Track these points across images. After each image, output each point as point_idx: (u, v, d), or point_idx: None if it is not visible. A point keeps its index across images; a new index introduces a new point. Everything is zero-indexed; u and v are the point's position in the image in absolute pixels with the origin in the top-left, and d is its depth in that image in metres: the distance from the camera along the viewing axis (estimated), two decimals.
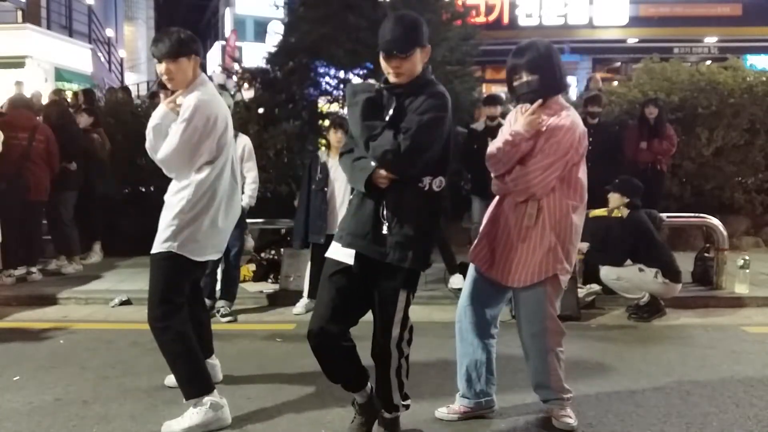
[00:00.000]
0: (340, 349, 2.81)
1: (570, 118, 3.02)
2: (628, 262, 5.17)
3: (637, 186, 5.24)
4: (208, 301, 5.27)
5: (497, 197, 3.20)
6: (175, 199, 3.11)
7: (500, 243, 3.11)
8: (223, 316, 5.16)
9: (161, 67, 3.10)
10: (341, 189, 5.26)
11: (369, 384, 2.95)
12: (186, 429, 3.04)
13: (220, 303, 5.25)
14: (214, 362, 3.64)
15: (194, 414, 3.06)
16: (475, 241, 3.24)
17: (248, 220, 6.23)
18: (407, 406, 2.97)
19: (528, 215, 3.02)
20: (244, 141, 5.27)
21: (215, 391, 3.16)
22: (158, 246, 3.10)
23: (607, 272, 5.24)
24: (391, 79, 2.71)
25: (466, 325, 3.21)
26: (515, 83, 3.07)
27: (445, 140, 2.73)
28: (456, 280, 5.81)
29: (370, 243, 2.69)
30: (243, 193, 5.05)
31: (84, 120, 7.19)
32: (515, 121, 3.11)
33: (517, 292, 3.13)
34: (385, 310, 2.79)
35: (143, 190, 7.85)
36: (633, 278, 5.10)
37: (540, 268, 3.02)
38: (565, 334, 3.16)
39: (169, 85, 3.19)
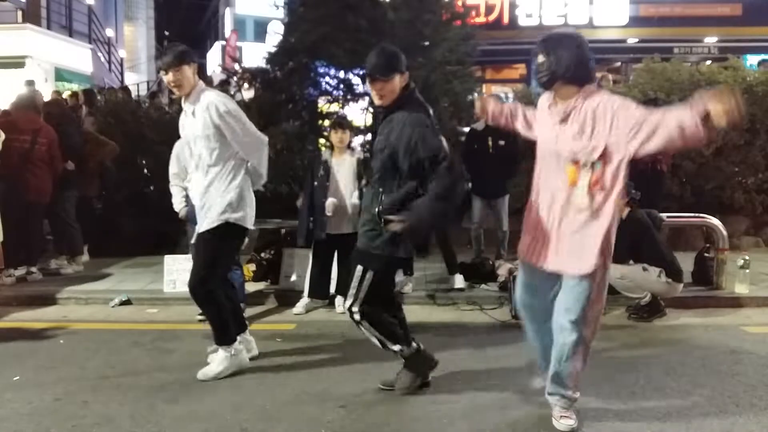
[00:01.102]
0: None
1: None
2: (631, 261, 5.17)
3: (625, 186, 5.19)
4: None
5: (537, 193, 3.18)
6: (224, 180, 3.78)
7: (549, 233, 3.11)
8: None
9: (169, 76, 3.70)
10: (343, 187, 5.27)
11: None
12: (219, 371, 3.83)
13: None
14: (249, 338, 4.17)
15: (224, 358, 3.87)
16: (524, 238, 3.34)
17: None
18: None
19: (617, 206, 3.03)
20: None
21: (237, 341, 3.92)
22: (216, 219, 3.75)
23: (611, 271, 5.22)
24: (376, 101, 3.37)
25: (531, 314, 3.33)
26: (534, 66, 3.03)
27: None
28: (458, 280, 5.82)
29: None
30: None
31: (88, 122, 7.20)
32: (545, 108, 3.12)
33: (566, 280, 3.07)
34: None
35: (145, 190, 7.84)
36: (636, 277, 5.10)
37: (593, 258, 2.96)
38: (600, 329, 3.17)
39: (176, 92, 3.83)
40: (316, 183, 5.33)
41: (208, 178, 3.81)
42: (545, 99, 3.16)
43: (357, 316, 3.44)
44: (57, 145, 6.47)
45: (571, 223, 3.01)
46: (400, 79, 3.33)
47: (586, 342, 3.11)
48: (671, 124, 2.69)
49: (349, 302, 3.44)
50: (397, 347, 3.48)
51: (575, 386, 3.14)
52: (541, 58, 2.98)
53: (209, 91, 3.82)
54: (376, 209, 3.29)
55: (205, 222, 3.82)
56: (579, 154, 2.92)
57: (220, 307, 3.86)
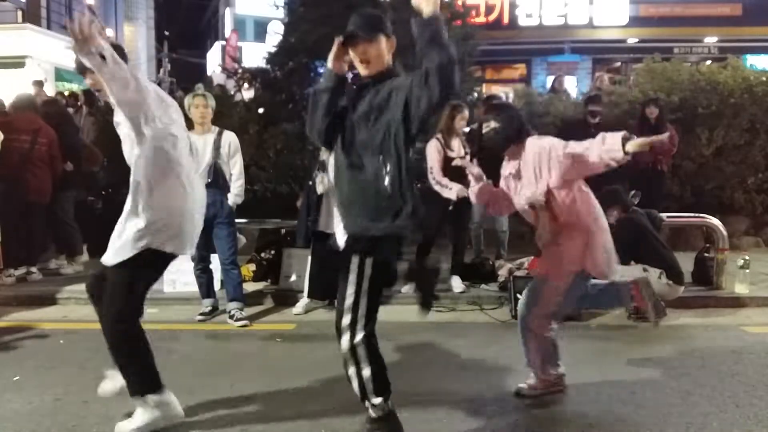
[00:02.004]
0: None
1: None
2: (633, 262, 5.17)
3: (612, 192, 5.14)
4: (208, 301, 5.30)
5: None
6: None
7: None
8: (237, 320, 5.06)
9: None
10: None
11: None
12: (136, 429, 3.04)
13: (232, 305, 5.17)
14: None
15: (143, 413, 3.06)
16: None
17: (247, 220, 6.26)
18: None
19: None
20: (230, 137, 5.23)
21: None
22: None
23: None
24: (361, 71, 2.77)
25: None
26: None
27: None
28: (455, 283, 5.80)
29: None
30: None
31: (89, 123, 7.20)
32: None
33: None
34: None
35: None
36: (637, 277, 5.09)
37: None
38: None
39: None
40: (310, 182, 5.33)
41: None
42: (504, 166, 3.50)
43: (359, 338, 2.68)
44: (57, 145, 6.47)
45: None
46: (387, 43, 2.81)
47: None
48: (593, 154, 3.11)
49: (347, 325, 2.69)
50: (378, 400, 2.78)
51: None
52: (492, 123, 3.39)
53: None
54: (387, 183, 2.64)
55: None
56: (533, 199, 3.29)
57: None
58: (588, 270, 3.35)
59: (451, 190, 5.38)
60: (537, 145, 3.29)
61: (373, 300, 2.71)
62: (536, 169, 3.25)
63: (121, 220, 3.07)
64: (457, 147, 5.67)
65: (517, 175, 3.36)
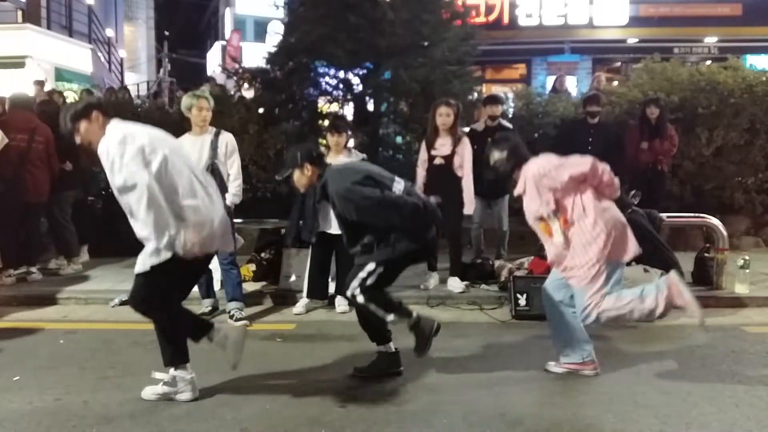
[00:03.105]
0: None
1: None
2: (633, 263, 5.16)
3: None
4: (208, 301, 5.30)
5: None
6: None
7: None
8: (237, 320, 5.06)
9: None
10: None
11: None
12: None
13: (231, 305, 5.18)
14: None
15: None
16: None
17: (246, 220, 6.25)
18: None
19: None
20: (227, 138, 5.22)
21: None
22: None
23: None
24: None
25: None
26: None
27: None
28: (455, 283, 5.80)
29: None
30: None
31: None
32: None
33: None
34: None
35: None
36: (637, 279, 5.09)
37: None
38: None
39: None
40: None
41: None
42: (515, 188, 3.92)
43: (361, 299, 3.64)
44: (53, 144, 6.45)
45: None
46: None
47: None
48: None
49: (352, 290, 3.65)
50: (392, 317, 3.71)
51: None
52: (497, 155, 3.89)
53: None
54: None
55: None
56: (540, 212, 3.71)
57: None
58: (613, 257, 3.63)
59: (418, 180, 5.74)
60: (532, 168, 3.74)
61: (377, 282, 3.66)
62: (537, 188, 3.70)
63: None
64: (441, 144, 5.68)
65: (524, 192, 3.80)
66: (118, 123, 3.45)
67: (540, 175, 3.68)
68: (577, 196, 3.65)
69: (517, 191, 3.91)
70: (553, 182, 3.65)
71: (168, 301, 3.51)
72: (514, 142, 4.00)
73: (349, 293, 3.70)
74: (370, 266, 3.65)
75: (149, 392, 3.53)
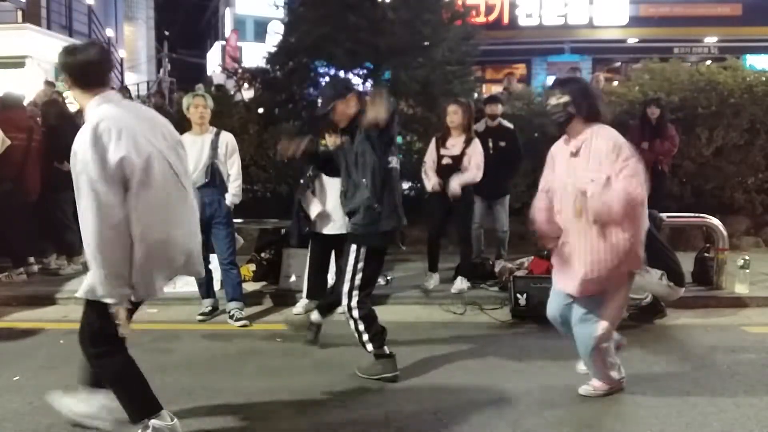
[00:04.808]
0: None
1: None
2: None
3: None
4: (208, 301, 5.30)
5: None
6: None
7: None
8: (237, 320, 5.05)
9: None
10: (332, 188, 5.22)
11: None
12: None
13: (231, 305, 5.16)
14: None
15: None
16: None
17: (246, 220, 6.25)
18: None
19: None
20: (227, 138, 5.22)
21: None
22: None
23: None
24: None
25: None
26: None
27: None
28: (457, 283, 5.80)
29: None
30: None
31: None
32: None
33: None
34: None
35: None
36: (637, 279, 5.08)
37: None
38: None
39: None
40: (302, 181, 5.34)
41: None
42: (561, 140, 3.43)
43: (356, 313, 3.76)
44: (46, 143, 6.44)
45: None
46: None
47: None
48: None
49: (346, 297, 3.77)
50: (370, 347, 3.80)
51: None
52: (554, 100, 3.29)
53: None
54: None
55: None
56: (587, 184, 3.16)
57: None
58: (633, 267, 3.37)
59: (429, 182, 5.73)
60: (607, 135, 3.19)
61: (364, 277, 3.76)
62: (600, 156, 3.15)
63: None
64: (452, 145, 5.69)
65: (576, 154, 3.25)
66: None
67: (632, 155, 3.13)
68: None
69: (561, 150, 3.36)
70: (630, 171, 3.10)
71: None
72: (584, 84, 3.48)
73: (344, 304, 3.82)
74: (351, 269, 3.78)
75: None
